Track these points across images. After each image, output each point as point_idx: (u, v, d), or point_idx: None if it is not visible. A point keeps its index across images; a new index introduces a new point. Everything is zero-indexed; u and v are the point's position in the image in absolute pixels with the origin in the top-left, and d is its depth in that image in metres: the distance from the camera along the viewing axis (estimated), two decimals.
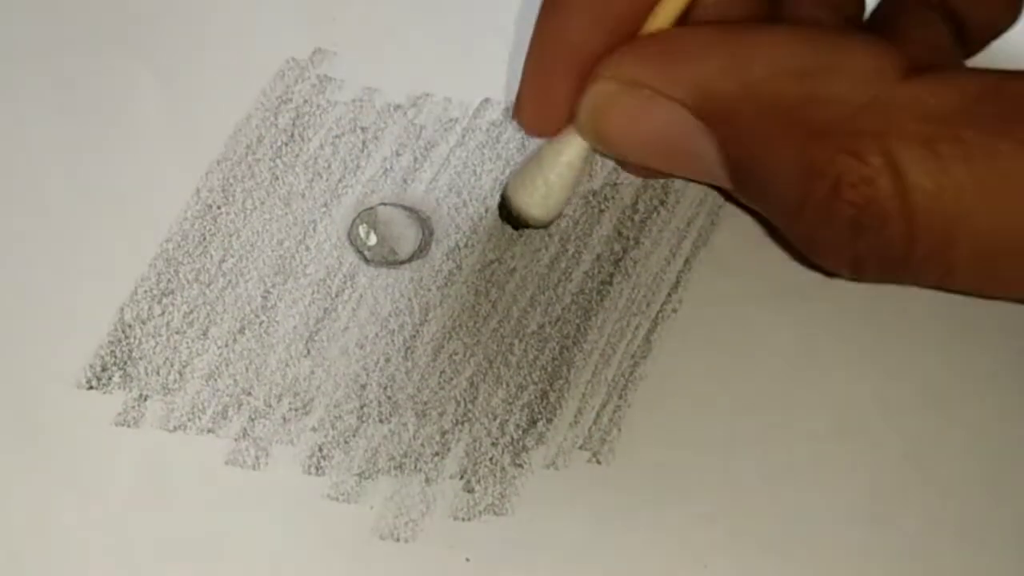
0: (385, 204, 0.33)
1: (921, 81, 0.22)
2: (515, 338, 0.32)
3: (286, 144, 0.34)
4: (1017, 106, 0.22)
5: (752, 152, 0.23)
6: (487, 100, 0.34)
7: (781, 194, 0.23)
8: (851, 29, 0.25)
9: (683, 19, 0.26)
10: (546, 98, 0.27)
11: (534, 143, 0.34)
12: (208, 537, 0.30)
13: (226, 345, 0.32)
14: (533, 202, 0.30)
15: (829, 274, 0.28)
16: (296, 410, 0.31)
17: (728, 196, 0.34)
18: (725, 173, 0.25)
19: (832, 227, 0.23)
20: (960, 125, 0.21)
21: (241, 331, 0.32)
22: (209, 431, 0.31)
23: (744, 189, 0.25)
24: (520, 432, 0.31)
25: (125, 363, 0.31)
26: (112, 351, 0.31)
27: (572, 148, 0.28)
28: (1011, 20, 0.32)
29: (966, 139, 0.21)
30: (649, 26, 0.25)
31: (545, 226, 0.32)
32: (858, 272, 0.24)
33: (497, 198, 0.33)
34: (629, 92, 0.25)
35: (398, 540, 0.30)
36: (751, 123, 0.23)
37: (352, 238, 0.33)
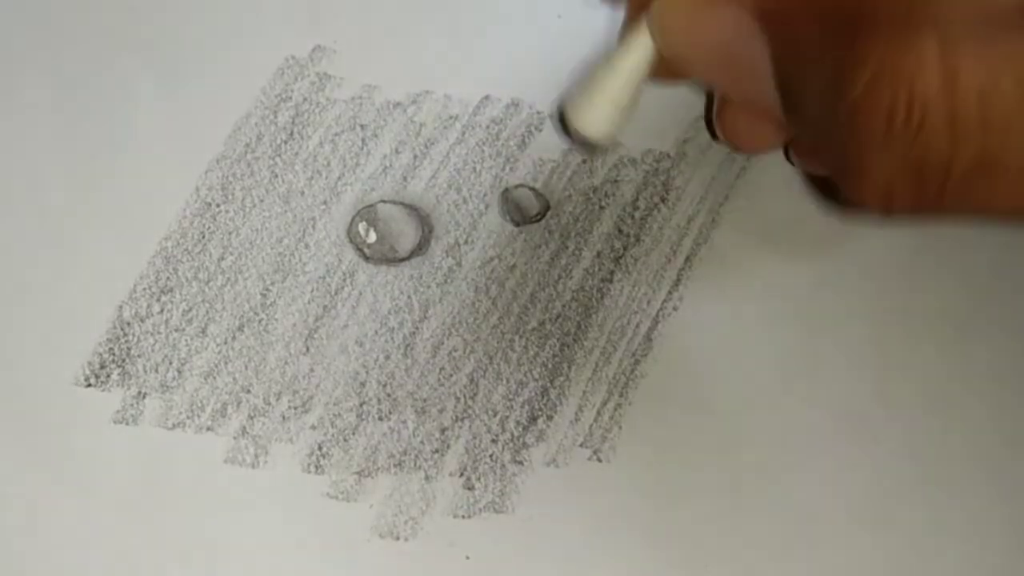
0: (385, 201, 0.33)
1: None
2: (515, 335, 0.32)
3: (286, 142, 0.34)
4: None
5: (801, 53, 0.22)
6: (487, 97, 0.34)
7: (821, 95, 0.22)
8: None
9: None
10: None
11: (534, 140, 0.34)
12: (207, 535, 0.30)
13: (225, 343, 0.32)
14: (599, 116, 0.28)
15: (859, 216, 0.26)
16: (295, 408, 0.31)
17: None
18: (773, 84, 0.24)
19: (868, 124, 0.20)
20: None
21: (240, 329, 0.32)
22: (208, 429, 0.31)
23: (788, 101, 0.24)
24: (520, 429, 0.31)
25: (124, 361, 0.31)
26: (111, 348, 0.31)
27: (636, 53, 0.27)
28: None
29: None
30: None
31: (605, 148, 0.30)
32: (888, 198, 0.22)
33: (496, 197, 0.33)
34: None
35: (398, 538, 0.30)
36: (805, 23, 0.22)
37: (352, 235, 0.33)
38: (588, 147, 0.29)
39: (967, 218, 0.22)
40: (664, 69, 0.26)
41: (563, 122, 0.28)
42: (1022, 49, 0.19)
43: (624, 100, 0.27)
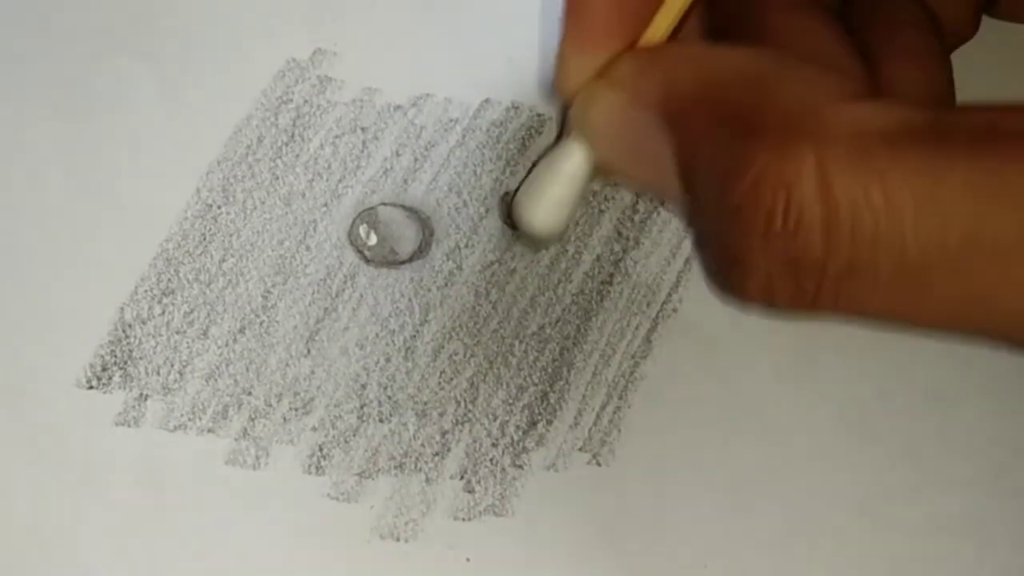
0: (385, 204, 0.33)
1: (865, 102, 0.23)
2: (515, 339, 0.32)
3: (286, 144, 0.34)
4: (957, 127, 0.22)
5: (698, 152, 0.24)
6: (487, 100, 0.34)
7: (713, 192, 0.24)
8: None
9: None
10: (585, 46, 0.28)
11: (535, 144, 0.34)
12: (208, 537, 0.30)
13: (226, 345, 0.32)
14: (538, 214, 0.30)
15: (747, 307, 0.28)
16: (296, 410, 0.31)
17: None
18: (678, 181, 0.25)
19: (751, 221, 0.23)
20: (897, 141, 0.22)
21: (241, 331, 0.32)
22: (209, 431, 0.31)
23: (686, 194, 0.25)
24: (520, 433, 0.31)
25: (125, 363, 0.31)
26: (112, 351, 0.31)
27: (577, 156, 0.29)
28: (972, 31, 0.33)
29: (903, 153, 0.21)
30: (648, 37, 0.27)
31: (549, 240, 0.32)
32: (768, 292, 0.24)
33: (496, 201, 0.33)
34: (613, 90, 0.26)
35: (398, 540, 0.30)
36: (703, 124, 0.24)
37: (352, 238, 0.33)
38: (536, 241, 0.31)
39: (851, 320, 0.24)
40: (601, 171, 0.28)
41: (512, 218, 0.30)
42: (890, 165, 0.21)
43: (569, 199, 0.29)
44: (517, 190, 0.31)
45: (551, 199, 0.29)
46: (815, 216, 0.21)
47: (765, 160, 0.22)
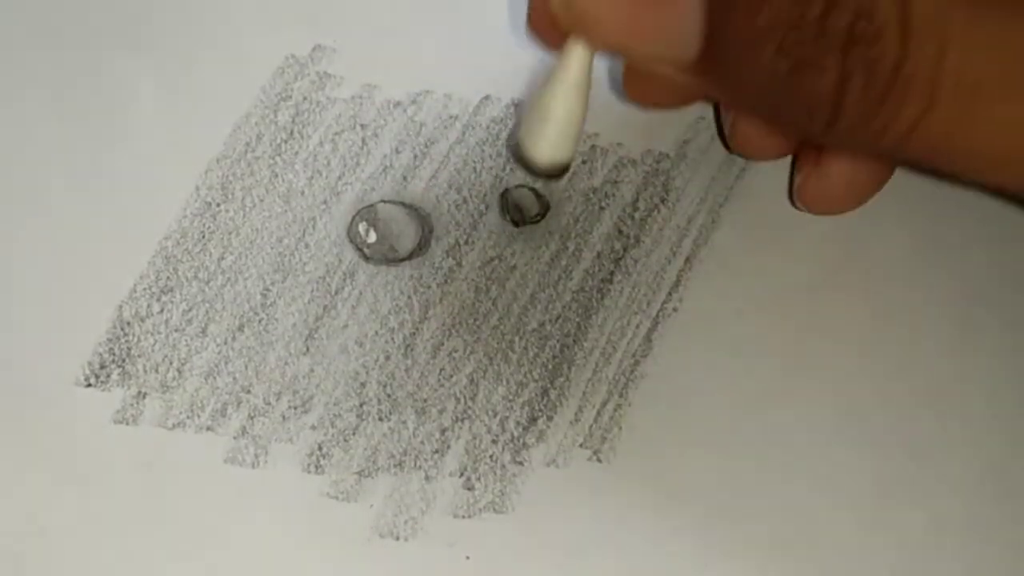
0: (385, 201, 0.33)
1: None
2: (515, 335, 0.32)
3: (286, 141, 0.34)
4: None
5: None
6: (487, 97, 0.34)
7: (771, 19, 0.23)
8: None
9: None
10: None
11: None
12: (207, 536, 0.30)
13: (225, 343, 0.32)
14: (544, 142, 0.28)
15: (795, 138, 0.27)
16: (295, 408, 0.31)
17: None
18: (698, 30, 0.24)
19: (824, 41, 0.23)
20: None
21: (240, 329, 0.32)
22: (208, 429, 0.31)
23: (718, 41, 0.24)
24: (521, 430, 0.31)
25: (124, 360, 0.31)
26: (111, 348, 0.31)
27: (573, 66, 0.27)
28: None
29: None
30: None
31: (562, 172, 0.30)
32: (839, 102, 0.24)
33: (496, 197, 0.33)
34: None
35: (398, 538, 0.30)
36: None
37: (352, 235, 0.33)
38: (550, 173, 0.28)
39: (898, 149, 0.23)
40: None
41: (521, 155, 0.27)
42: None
43: (575, 117, 0.27)
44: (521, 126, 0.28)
45: (558, 121, 0.27)
46: (892, 19, 0.22)
47: None
